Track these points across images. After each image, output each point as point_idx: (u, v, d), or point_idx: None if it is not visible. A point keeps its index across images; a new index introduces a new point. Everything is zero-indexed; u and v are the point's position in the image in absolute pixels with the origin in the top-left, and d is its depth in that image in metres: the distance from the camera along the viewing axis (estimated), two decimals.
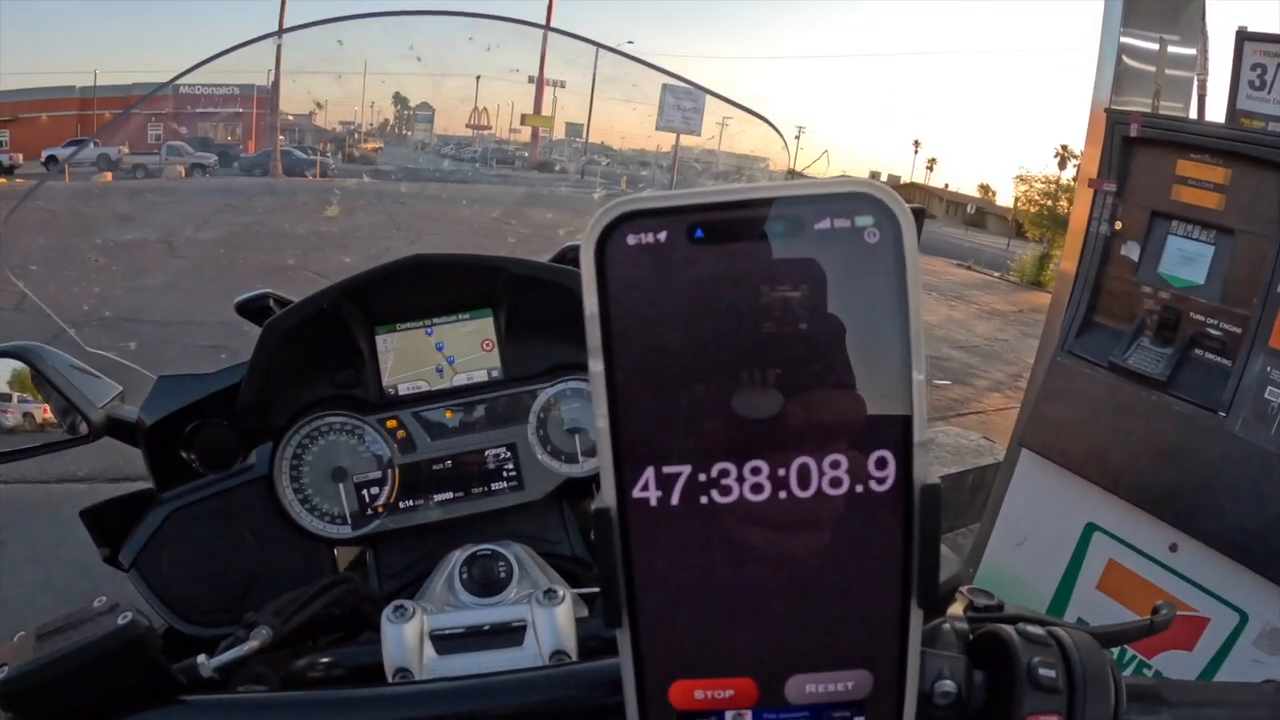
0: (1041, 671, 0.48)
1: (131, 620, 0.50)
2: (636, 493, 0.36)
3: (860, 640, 0.38)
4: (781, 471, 0.35)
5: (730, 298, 0.34)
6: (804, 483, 0.35)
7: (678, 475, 0.35)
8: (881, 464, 0.35)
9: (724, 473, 0.35)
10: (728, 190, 0.34)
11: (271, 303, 1.14)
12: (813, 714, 0.39)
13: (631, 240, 0.34)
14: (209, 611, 1.00)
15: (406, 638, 0.66)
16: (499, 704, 0.52)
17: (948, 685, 0.49)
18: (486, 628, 0.70)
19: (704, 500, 0.36)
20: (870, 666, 0.38)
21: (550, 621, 0.69)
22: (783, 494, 0.36)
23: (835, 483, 0.35)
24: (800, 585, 0.37)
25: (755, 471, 0.35)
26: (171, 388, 1.05)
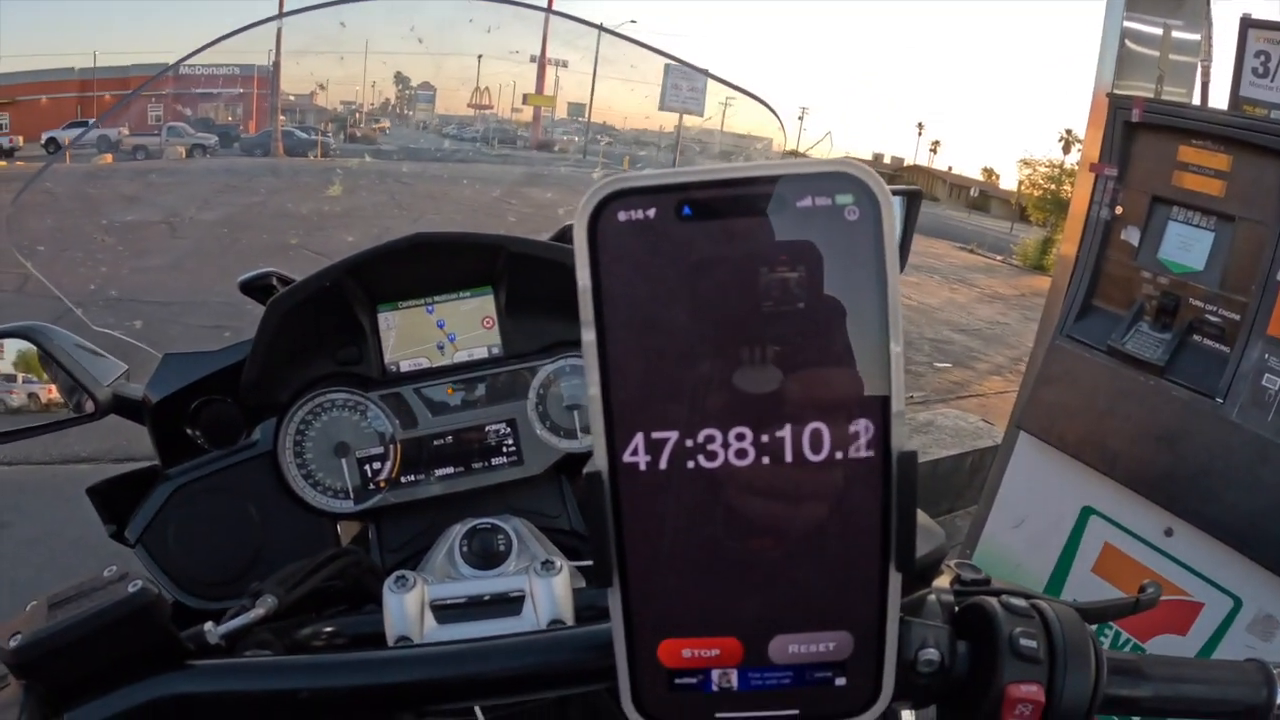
0: (1023, 642, 0.49)
1: (142, 588, 0.51)
2: (626, 457, 0.37)
3: (841, 602, 0.39)
4: (765, 438, 0.37)
5: (718, 271, 0.36)
6: (787, 449, 0.37)
7: (666, 440, 0.37)
8: (861, 432, 0.37)
9: (710, 438, 0.37)
10: (714, 170, 0.36)
11: (275, 281, 1.15)
12: (795, 673, 0.40)
13: (622, 217, 0.36)
14: (214, 585, 1.01)
15: (407, 607, 0.67)
16: (495, 667, 0.53)
17: (931, 654, 0.51)
18: (486, 598, 0.71)
19: (691, 465, 0.37)
20: (851, 628, 0.40)
21: (548, 591, 0.70)
22: (766, 459, 0.37)
23: (817, 449, 0.37)
24: (783, 548, 0.39)
25: (740, 438, 0.37)
26: (177, 365, 1.06)
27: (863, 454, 0.37)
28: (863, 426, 0.37)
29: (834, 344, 0.36)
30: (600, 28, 1.33)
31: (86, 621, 0.50)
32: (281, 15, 1.26)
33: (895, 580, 0.39)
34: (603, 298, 0.36)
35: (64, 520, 3.69)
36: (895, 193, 1.16)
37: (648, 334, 0.36)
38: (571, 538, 1.04)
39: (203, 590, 1.01)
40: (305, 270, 1.06)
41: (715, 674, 0.41)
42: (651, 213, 0.36)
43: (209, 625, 0.63)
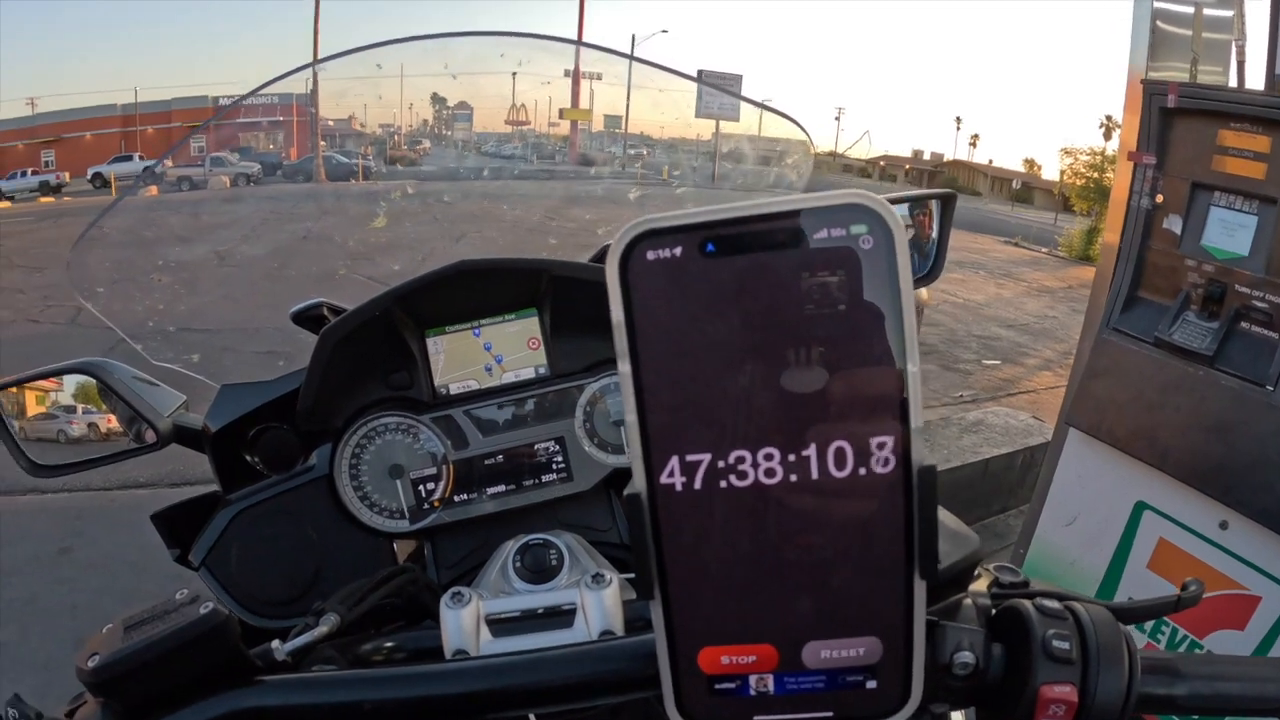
0: (1056, 643, 0.50)
1: (213, 609, 0.54)
2: (663, 479, 0.40)
3: (870, 610, 0.42)
4: (792, 456, 0.39)
5: (742, 304, 0.38)
6: (813, 467, 0.39)
7: (699, 462, 0.40)
8: (882, 449, 0.39)
9: (740, 459, 0.39)
10: (733, 208, 0.38)
11: (325, 311, 1.19)
12: (829, 677, 0.43)
13: (650, 256, 0.38)
14: (275, 605, 1.04)
15: (464, 622, 0.70)
16: (549, 677, 0.55)
17: (966, 657, 0.52)
18: (539, 611, 0.73)
19: (723, 484, 0.40)
20: (880, 634, 0.42)
21: (599, 604, 0.72)
22: (794, 477, 0.39)
23: (841, 466, 0.39)
24: (812, 560, 0.41)
25: (769, 457, 0.39)
26: (234, 395, 1.10)
27: (884, 470, 0.39)
28: (884, 443, 0.39)
29: (854, 365, 0.38)
30: (630, 57, 1.36)
31: (162, 642, 0.53)
32: (316, 62, 1.30)
33: (920, 588, 0.41)
34: (636, 330, 0.39)
35: (123, 544, 3.79)
36: (928, 197, 1.17)
37: (679, 362, 0.39)
38: (621, 550, 1.06)
39: (265, 609, 1.04)
40: (355, 297, 1.09)
41: (753, 679, 0.43)
42: (678, 250, 0.38)
43: (275, 643, 0.66)
